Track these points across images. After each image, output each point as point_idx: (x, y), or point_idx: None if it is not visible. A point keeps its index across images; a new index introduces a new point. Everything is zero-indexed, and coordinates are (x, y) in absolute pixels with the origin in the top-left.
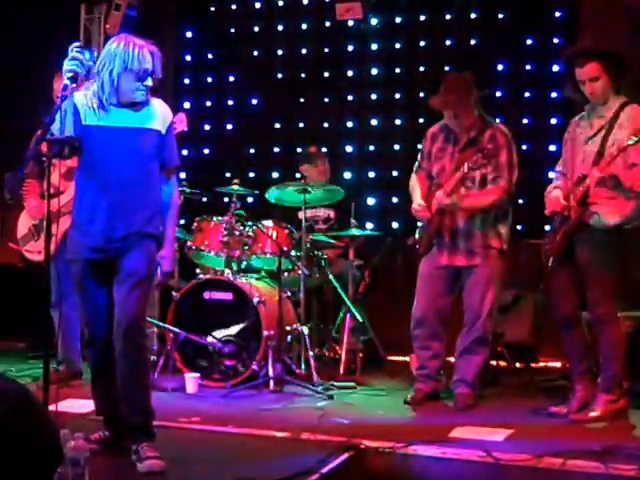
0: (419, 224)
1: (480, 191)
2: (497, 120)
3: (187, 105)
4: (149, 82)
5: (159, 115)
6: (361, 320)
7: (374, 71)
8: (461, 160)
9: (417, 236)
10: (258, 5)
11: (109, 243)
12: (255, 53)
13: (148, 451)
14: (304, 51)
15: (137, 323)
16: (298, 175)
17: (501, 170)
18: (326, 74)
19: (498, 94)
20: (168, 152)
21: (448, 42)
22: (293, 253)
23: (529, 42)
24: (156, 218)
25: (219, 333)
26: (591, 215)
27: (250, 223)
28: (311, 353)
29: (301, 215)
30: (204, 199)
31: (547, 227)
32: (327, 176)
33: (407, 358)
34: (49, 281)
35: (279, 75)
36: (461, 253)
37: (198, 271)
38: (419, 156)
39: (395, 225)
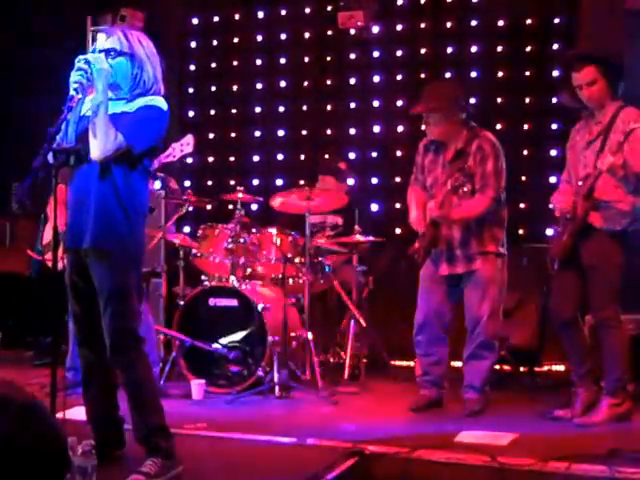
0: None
1: (468, 201)
2: (498, 126)
3: (191, 114)
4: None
5: (140, 100)
6: (365, 325)
7: (376, 78)
8: (451, 172)
9: (417, 245)
10: (261, 15)
11: (75, 238)
12: (258, 62)
13: (143, 466)
14: (307, 59)
15: (119, 342)
16: (302, 182)
17: (488, 178)
18: (329, 82)
19: (499, 100)
20: (123, 128)
21: (449, 49)
22: (297, 260)
23: (529, 49)
24: (116, 228)
25: (224, 339)
26: (597, 218)
27: (254, 230)
28: (316, 359)
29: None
30: (209, 207)
31: (548, 231)
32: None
33: (411, 363)
34: (64, 290)
35: (282, 83)
36: (460, 261)
37: (203, 278)
38: (414, 168)
39: (398, 231)
